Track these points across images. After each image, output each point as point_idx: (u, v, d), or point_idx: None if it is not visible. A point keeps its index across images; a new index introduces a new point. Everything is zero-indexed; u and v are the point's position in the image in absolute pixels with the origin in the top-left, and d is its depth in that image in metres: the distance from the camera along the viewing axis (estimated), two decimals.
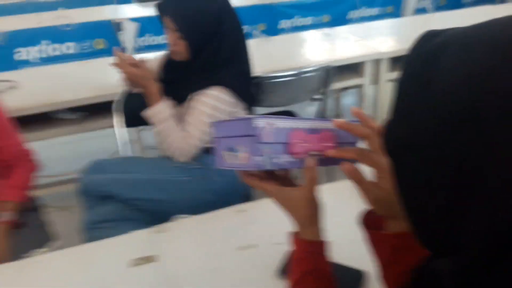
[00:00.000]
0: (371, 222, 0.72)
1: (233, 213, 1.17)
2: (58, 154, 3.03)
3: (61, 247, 1.48)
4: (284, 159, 0.63)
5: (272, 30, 3.62)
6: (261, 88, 1.81)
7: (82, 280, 0.98)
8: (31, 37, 3.04)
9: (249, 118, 0.60)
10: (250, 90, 1.58)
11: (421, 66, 0.38)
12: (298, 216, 0.66)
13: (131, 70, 1.39)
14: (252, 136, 0.60)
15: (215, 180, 1.48)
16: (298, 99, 1.94)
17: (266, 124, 0.61)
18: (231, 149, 0.63)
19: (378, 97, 2.52)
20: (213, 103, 1.40)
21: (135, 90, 1.59)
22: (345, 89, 2.60)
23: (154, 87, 1.42)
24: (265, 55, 2.36)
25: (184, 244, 1.07)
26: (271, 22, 3.60)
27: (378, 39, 2.54)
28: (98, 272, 1.00)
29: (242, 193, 1.65)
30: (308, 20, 3.72)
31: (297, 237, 0.68)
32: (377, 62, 2.37)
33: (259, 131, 0.60)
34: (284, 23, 3.67)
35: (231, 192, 1.54)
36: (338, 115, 3.04)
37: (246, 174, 0.67)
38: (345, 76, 2.35)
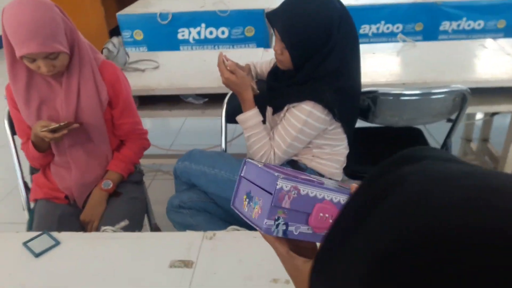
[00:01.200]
0: None
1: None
2: (174, 130, 3.33)
3: (153, 225, 1.68)
4: (300, 230, 0.57)
5: (432, 32, 3.24)
6: (376, 104, 1.65)
7: (123, 267, 1.08)
8: (192, 19, 3.36)
9: (276, 175, 0.55)
10: (352, 106, 1.47)
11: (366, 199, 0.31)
12: None
13: (228, 75, 1.43)
14: (270, 194, 0.54)
15: None
16: (418, 122, 1.71)
17: (292, 188, 0.54)
18: (250, 197, 0.59)
19: None
20: (305, 118, 1.35)
21: None
22: (494, 114, 2.19)
23: (248, 95, 1.44)
24: (399, 63, 2.14)
25: (224, 258, 1.08)
26: (431, 22, 3.21)
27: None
28: (143, 264, 1.08)
29: None
30: (478, 24, 3.19)
31: None
32: None
33: (279, 192, 0.54)
34: (446, 25, 3.24)
35: None
36: (485, 140, 2.60)
37: None
38: (495, 99, 1.98)
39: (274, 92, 1.48)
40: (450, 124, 1.76)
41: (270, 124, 1.50)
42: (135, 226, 1.53)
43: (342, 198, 0.58)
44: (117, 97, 1.55)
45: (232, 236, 1.16)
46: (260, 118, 1.43)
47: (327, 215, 0.56)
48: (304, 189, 0.55)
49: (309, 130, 1.36)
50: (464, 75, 1.94)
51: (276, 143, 1.41)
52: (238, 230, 1.18)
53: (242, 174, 0.63)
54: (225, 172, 1.51)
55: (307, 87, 1.35)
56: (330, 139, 1.42)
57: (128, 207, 1.59)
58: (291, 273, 0.59)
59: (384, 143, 1.98)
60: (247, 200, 0.59)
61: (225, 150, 1.77)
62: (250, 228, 1.18)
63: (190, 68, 2.23)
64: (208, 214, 1.55)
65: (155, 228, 1.91)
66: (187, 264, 1.07)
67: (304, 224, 0.56)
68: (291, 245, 0.60)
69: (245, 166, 0.63)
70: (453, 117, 1.73)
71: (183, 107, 2.21)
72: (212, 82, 2.08)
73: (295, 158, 1.46)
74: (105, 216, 1.53)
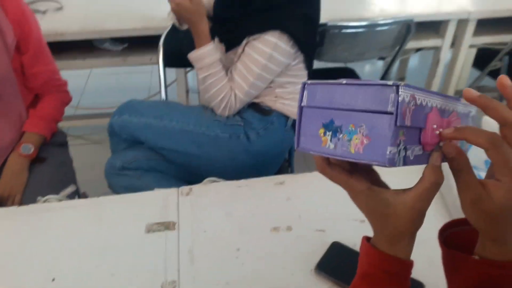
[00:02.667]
0: (454, 238, 0.55)
1: (269, 184, 1.01)
2: (96, 86, 3.03)
3: (82, 195, 1.43)
4: (415, 152, 0.43)
5: None
6: (325, 39, 1.56)
7: (93, 240, 0.87)
8: None
9: (383, 84, 0.40)
10: (314, 39, 1.35)
11: None
12: (392, 227, 0.47)
13: (182, 1, 1.18)
14: (385, 113, 0.40)
15: (256, 141, 1.31)
16: (365, 56, 1.67)
17: (411, 97, 0.41)
18: (333, 128, 0.43)
19: (455, 64, 2.19)
20: (270, 52, 1.19)
21: (184, 27, 1.41)
22: (418, 50, 2.28)
23: (204, 26, 1.22)
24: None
25: (210, 213, 0.92)
26: None
27: None
28: (114, 232, 0.88)
29: (283, 160, 1.48)
30: None
31: (376, 249, 0.49)
32: (462, 22, 2.03)
33: (401, 106, 0.39)
34: None
35: (272, 155, 1.37)
36: (401, 79, 2.73)
37: (326, 164, 0.48)
38: (421, 35, 2.03)
39: (227, 25, 1.29)
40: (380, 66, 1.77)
41: (224, 63, 1.32)
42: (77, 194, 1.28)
43: (449, 105, 0.47)
44: (26, 39, 1.23)
45: (211, 188, 1.00)
46: (218, 55, 1.24)
47: (435, 127, 0.44)
48: (419, 97, 0.42)
49: (274, 67, 1.22)
50: (393, 10, 1.95)
51: (236, 84, 1.24)
52: (216, 181, 1.03)
53: (304, 103, 0.46)
54: (177, 122, 1.31)
55: (269, 16, 1.19)
56: (292, 76, 1.30)
57: (57, 174, 1.31)
58: (376, 210, 0.47)
59: None
60: (329, 132, 0.43)
61: (166, 99, 1.55)
62: (225, 176, 1.05)
63: (104, 6, 1.90)
64: (158, 173, 1.35)
65: (84, 197, 1.64)
66: (168, 226, 0.89)
67: (417, 143, 0.43)
68: (370, 179, 0.48)
69: (306, 91, 0.46)
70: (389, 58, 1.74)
71: (98, 55, 1.89)
72: (134, 22, 1.80)
73: (256, 100, 1.32)
74: (29, 187, 1.25)
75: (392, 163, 0.40)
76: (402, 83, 0.39)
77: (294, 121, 1.37)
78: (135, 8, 1.92)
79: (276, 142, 1.34)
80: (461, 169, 0.44)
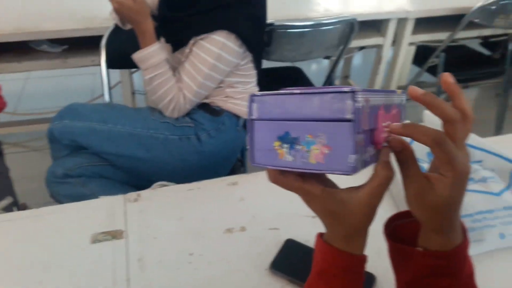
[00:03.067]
0: (399, 230, 0.56)
1: (222, 185, 0.99)
2: (35, 90, 2.88)
3: (21, 206, 1.34)
4: (369, 153, 0.42)
5: None
6: (272, 38, 1.57)
7: (35, 254, 0.81)
8: None
9: (338, 91, 0.38)
10: (262, 38, 1.35)
11: None
12: (348, 225, 0.47)
13: (124, 0, 1.14)
14: (343, 121, 0.38)
15: (207, 142, 1.29)
16: (312, 55, 1.70)
17: (365, 101, 0.39)
18: (290, 140, 0.41)
19: (396, 61, 2.29)
20: (218, 51, 1.17)
21: (127, 27, 1.36)
22: (361, 48, 2.35)
23: (148, 25, 1.18)
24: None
25: (160, 219, 0.89)
26: None
27: None
28: (56, 245, 0.83)
29: (235, 160, 1.47)
30: None
31: (331, 246, 0.49)
32: (401, 21, 2.12)
33: (359, 113, 0.38)
34: None
35: (224, 156, 1.35)
36: (346, 77, 2.81)
37: (278, 173, 0.46)
38: (364, 34, 2.10)
39: (173, 24, 1.25)
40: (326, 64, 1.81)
41: (171, 64, 1.29)
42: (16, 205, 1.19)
43: (389, 99, 0.47)
44: None
45: (161, 193, 0.97)
46: (165, 55, 1.20)
47: (385, 124, 0.44)
48: (370, 98, 0.41)
49: (222, 66, 1.20)
50: (337, 10, 2.00)
51: (185, 84, 1.21)
52: (166, 185, 0.99)
53: (254, 116, 0.44)
54: (123, 125, 1.26)
55: (216, 15, 1.18)
56: (241, 75, 1.29)
57: None
58: (332, 210, 0.47)
59: (271, 83, 1.95)
60: (286, 145, 0.42)
61: (110, 102, 1.49)
62: (176, 179, 1.02)
63: (41, 6, 1.79)
64: (104, 179, 1.29)
65: (23, 209, 1.54)
66: (115, 235, 0.85)
67: (370, 144, 0.43)
68: (320, 181, 0.48)
69: (254, 104, 0.43)
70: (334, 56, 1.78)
71: (36, 57, 1.78)
72: (74, 23, 1.71)
73: (206, 100, 1.29)
74: None
75: (355, 170, 0.39)
76: (359, 89, 0.38)
77: (245, 120, 1.36)
78: (75, 8, 1.83)
79: (228, 143, 1.33)
80: (407, 161, 0.45)
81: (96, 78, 2.89)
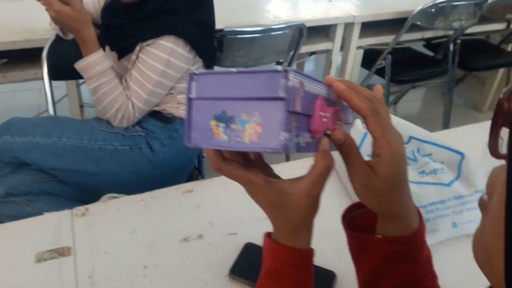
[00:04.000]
0: (357, 221, 0.56)
1: (177, 194, 0.96)
2: None
3: None
4: (306, 139, 0.43)
5: None
6: (223, 45, 1.56)
7: None
8: None
9: (272, 71, 0.39)
10: (212, 44, 1.33)
11: None
12: (291, 218, 0.46)
13: (60, 7, 1.08)
14: (276, 99, 0.39)
15: (161, 151, 1.24)
16: (264, 61, 1.70)
17: (300, 83, 0.40)
18: (226, 119, 0.41)
19: (346, 65, 2.35)
20: (166, 57, 1.14)
21: (69, 37, 1.30)
22: (312, 53, 2.39)
23: (90, 33, 1.13)
24: (225, 6, 2.08)
25: (110, 233, 0.84)
26: None
27: (351, 1, 2.34)
28: None
29: (191, 168, 1.44)
30: None
31: (277, 244, 0.47)
32: (348, 26, 2.18)
33: (293, 92, 0.39)
34: None
35: (179, 165, 1.32)
36: None
37: (221, 159, 0.45)
38: (313, 39, 2.14)
39: (117, 31, 1.21)
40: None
41: (117, 72, 1.24)
42: None
43: (333, 95, 0.47)
44: None
45: (111, 206, 0.92)
46: (109, 62, 1.15)
47: (322, 114, 0.44)
48: (306, 84, 0.41)
49: (172, 72, 1.17)
50: (286, 16, 2.03)
51: (133, 92, 1.17)
52: (116, 197, 0.95)
53: (193, 95, 0.43)
54: (68, 138, 1.19)
55: (163, 20, 1.15)
56: None
57: None
58: (275, 202, 0.46)
59: None
60: (222, 124, 0.41)
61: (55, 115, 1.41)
62: (129, 192, 0.98)
63: None
64: (51, 196, 1.22)
65: None
66: (62, 252, 0.79)
67: (306, 131, 0.43)
68: (265, 173, 0.47)
69: (194, 83, 0.43)
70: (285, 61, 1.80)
71: None
72: (12, 35, 1.62)
73: (157, 108, 1.25)
74: None
75: (286, 149, 0.39)
76: (291, 69, 0.39)
77: None
78: (12, 19, 1.73)
79: (182, 150, 1.29)
80: (350, 152, 0.46)
81: (42, 93, 2.75)
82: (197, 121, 0.43)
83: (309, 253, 0.49)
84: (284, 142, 0.39)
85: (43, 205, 1.18)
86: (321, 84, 0.45)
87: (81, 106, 2.06)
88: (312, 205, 0.46)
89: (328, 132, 0.46)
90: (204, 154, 1.55)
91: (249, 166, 0.46)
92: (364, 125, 0.47)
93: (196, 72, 0.43)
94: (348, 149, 0.45)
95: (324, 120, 0.45)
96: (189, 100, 0.43)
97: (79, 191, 1.23)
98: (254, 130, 0.40)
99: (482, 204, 0.34)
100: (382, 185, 0.45)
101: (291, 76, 0.38)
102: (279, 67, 0.39)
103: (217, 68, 1.39)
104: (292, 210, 0.45)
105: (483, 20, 2.38)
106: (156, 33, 1.13)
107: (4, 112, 2.70)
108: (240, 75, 0.41)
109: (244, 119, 0.40)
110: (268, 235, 0.49)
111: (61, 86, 2.03)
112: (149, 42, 1.14)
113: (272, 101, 0.39)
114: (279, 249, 0.47)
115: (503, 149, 0.32)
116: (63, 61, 1.38)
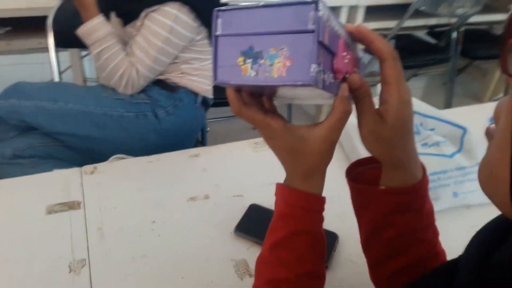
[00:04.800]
0: (360, 176, 0.57)
1: (183, 158, 0.97)
2: None
3: None
4: (329, 78, 0.43)
5: None
6: None
7: None
8: None
9: (301, 2, 0.38)
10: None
11: None
12: (306, 162, 0.47)
13: None
14: (306, 32, 0.38)
15: (165, 119, 1.25)
16: None
17: (327, 16, 0.39)
18: (256, 55, 0.41)
19: None
20: (170, 24, 1.15)
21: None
22: None
23: None
24: None
25: (119, 190, 0.86)
26: None
27: None
28: (8, 217, 0.77)
29: (195, 137, 1.45)
30: None
31: (290, 188, 0.49)
32: (353, 9, 2.18)
33: (321, 23, 0.38)
34: None
35: (184, 134, 1.33)
36: None
37: (241, 103, 0.46)
38: None
39: None
40: None
41: (122, 39, 1.24)
42: None
43: (351, 42, 0.48)
44: None
45: (119, 165, 0.93)
46: (110, 28, 1.15)
47: (345, 54, 0.45)
48: (332, 20, 0.41)
49: (176, 40, 1.17)
50: None
51: (137, 58, 1.17)
52: (123, 158, 0.96)
53: (219, 32, 0.43)
54: (74, 103, 1.20)
55: None
56: (197, 52, 1.26)
57: None
58: (292, 146, 0.47)
59: None
60: (249, 60, 0.41)
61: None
62: (137, 152, 0.99)
63: None
64: (56, 160, 1.23)
65: None
66: (72, 205, 0.81)
67: (330, 70, 0.43)
68: (284, 120, 0.48)
69: (219, 19, 0.43)
70: None
71: None
72: (16, 2, 1.61)
73: (161, 77, 1.26)
74: None
75: (316, 81, 0.39)
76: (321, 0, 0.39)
77: (204, 98, 1.34)
78: None
79: (187, 120, 1.30)
80: (363, 97, 0.46)
81: (45, 67, 2.74)
82: (223, 58, 0.43)
83: (321, 198, 0.50)
84: (314, 74, 0.39)
85: (49, 169, 1.18)
86: (341, 27, 0.46)
87: (84, 81, 2.06)
88: (328, 151, 0.47)
89: (347, 75, 0.46)
90: (208, 128, 1.56)
91: (268, 112, 0.47)
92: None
93: (221, 8, 0.43)
94: (361, 95, 0.46)
95: (346, 61, 0.45)
96: (215, 37, 0.43)
97: (84, 156, 1.24)
98: (283, 64, 0.39)
99: (489, 133, 0.35)
100: (389, 132, 0.46)
101: (321, 6, 0.38)
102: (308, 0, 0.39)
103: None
104: (308, 155, 0.46)
105: (487, 9, 2.39)
106: (159, 0, 1.13)
107: (6, 84, 2.69)
108: (267, 9, 0.40)
109: (273, 54, 0.40)
110: (280, 184, 0.50)
111: (65, 60, 2.02)
112: (154, 8, 1.15)
113: (302, 34, 0.39)
114: (291, 193, 0.48)
115: None
116: (67, 29, 1.38)
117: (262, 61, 0.41)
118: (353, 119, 0.48)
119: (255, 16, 0.41)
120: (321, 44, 0.39)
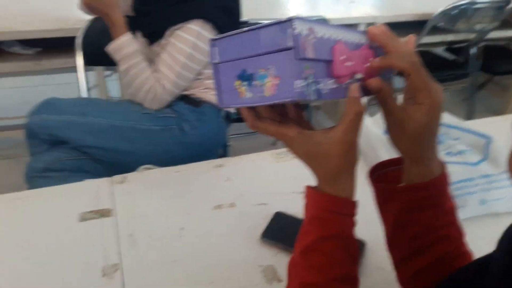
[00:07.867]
0: (382, 178, 0.59)
1: (208, 168, 0.99)
2: (7, 97, 2.78)
3: None
4: (327, 86, 0.44)
5: None
6: None
7: (22, 233, 0.78)
8: None
9: (279, 22, 0.40)
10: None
11: None
12: (330, 167, 0.48)
13: None
14: (287, 50, 0.40)
15: (190, 132, 1.28)
16: None
17: (309, 30, 0.41)
18: (247, 77, 0.43)
19: None
20: (193, 40, 1.19)
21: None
22: None
23: (118, 16, 1.18)
24: (247, 4, 2.13)
25: (148, 198, 0.88)
26: None
27: (372, 3, 2.37)
28: (42, 225, 0.80)
29: (219, 149, 1.47)
30: None
31: (319, 192, 0.49)
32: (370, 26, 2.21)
33: (299, 39, 0.40)
34: None
35: (208, 147, 1.35)
36: None
37: (254, 117, 0.48)
38: None
39: (147, 17, 1.26)
40: None
41: (149, 57, 1.28)
42: None
43: (356, 38, 0.48)
44: None
45: (147, 175, 0.96)
46: (137, 45, 1.20)
47: (344, 58, 0.45)
48: (318, 30, 0.43)
49: (199, 55, 1.21)
50: (313, 14, 2.07)
51: (162, 74, 1.21)
52: (151, 168, 0.99)
53: (216, 60, 0.46)
54: (103, 118, 1.24)
55: (191, 6, 1.19)
56: None
57: None
58: (311, 150, 0.48)
59: None
60: (244, 82, 0.44)
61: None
62: (163, 164, 1.01)
63: (10, 5, 1.76)
64: (86, 173, 1.26)
65: None
66: (103, 213, 0.83)
67: (328, 77, 0.44)
68: (301, 127, 0.49)
69: (214, 48, 0.46)
70: None
71: (6, 59, 1.74)
72: (47, 23, 1.69)
73: (186, 92, 1.29)
74: None
75: (302, 96, 0.40)
76: (295, 17, 0.40)
77: (227, 112, 1.37)
78: (46, 8, 1.80)
79: (210, 134, 1.33)
80: (386, 98, 0.48)
81: (71, 87, 2.83)
82: (224, 83, 0.46)
83: (350, 202, 0.50)
84: (300, 90, 0.40)
85: (78, 181, 1.22)
86: (339, 29, 0.46)
87: (108, 99, 2.12)
88: (347, 152, 0.47)
89: (359, 76, 0.47)
90: (230, 143, 1.58)
91: (284, 121, 0.49)
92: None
93: (214, 37, 0.46)
94: (384, 96, 0.48)
95: (348, 64, 0.46)
96: (215, 65, 0.46)
97: (112, 169, 1.27)
98: (272, 83, 0.42)
99: None
100: (416, 128, 0.48)
101: (296, 23, 0.39)
102: (284, 18, 0.41)
103: None
104: (326, 159, 0.47)
105: (505, 25, 2.39)
106: (185, 18, 1.18)
107: (31, 104, 2.77)
108: (252, 32, 0.43)
109: (262, 74, 0.42)
110: (310, 187, 0.52)
111: (89, 80, 2.10)
112: (178, 26, 1.19)
113: (282, 52, 0.41)
114: (321, 197, 0.49)
115: None
116: (95, 48, 1.44)
117: (255, 82, 0.43)
118: (374, 129, 0.49)
119: (244, 41, 0.44)
120: (304, 58, 0.41)
